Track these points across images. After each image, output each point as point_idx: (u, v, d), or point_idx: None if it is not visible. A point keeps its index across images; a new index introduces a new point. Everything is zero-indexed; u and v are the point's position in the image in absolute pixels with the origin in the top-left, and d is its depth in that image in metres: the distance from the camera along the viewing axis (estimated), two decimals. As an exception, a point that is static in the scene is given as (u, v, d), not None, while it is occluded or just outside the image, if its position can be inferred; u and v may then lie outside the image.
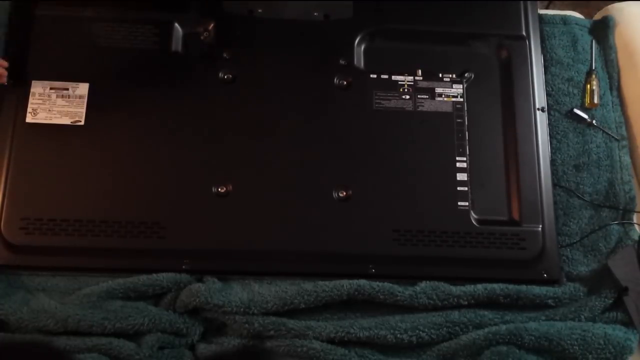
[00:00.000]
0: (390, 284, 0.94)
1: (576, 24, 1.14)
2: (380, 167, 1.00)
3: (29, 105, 0.98)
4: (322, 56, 1.05)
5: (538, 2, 1.13)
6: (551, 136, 1.05)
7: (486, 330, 0.90)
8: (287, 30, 1.06)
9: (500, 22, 1.09)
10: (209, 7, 1.05)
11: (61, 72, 1.00)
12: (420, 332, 0.90)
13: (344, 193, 0.98)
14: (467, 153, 1.01)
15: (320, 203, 0.98)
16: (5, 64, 0.95)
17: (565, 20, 1.14)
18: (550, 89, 1.08)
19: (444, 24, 1.08)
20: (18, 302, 0.89)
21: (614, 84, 1.11)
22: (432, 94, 1.04)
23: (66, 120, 0.98)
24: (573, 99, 1.08)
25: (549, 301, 0.95)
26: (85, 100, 0.99)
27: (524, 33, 1.08)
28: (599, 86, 1.09)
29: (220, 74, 1.02)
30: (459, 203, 0.99)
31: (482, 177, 1.01)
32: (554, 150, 1.05)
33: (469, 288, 0.94)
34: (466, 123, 1.03)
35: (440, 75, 1.05)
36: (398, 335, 0.90)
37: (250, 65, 1.03)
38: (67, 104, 0.98)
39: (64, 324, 0.87)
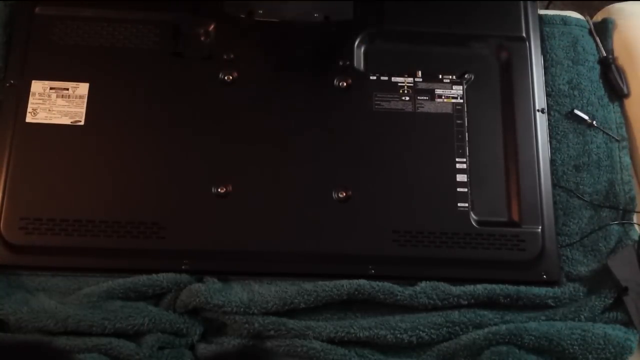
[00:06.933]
0: (390, 284, 0.93)
1: (576, 24, 1.14)
2: (380, 168, 1.00)
3: (29, 105, 0.98)
4: (322, 57, 1.05)
5: (538, 2, 1.13)
6: (551, 137, 1.05)
7: (486, 330, 0.90)
8: (287, 32, 1.06)
9: (500, 23, 1.09)
10: (209, 7, 1.05)
11: (61, 72, 1.00)
12: (420, 332, 0.90)
13: (344, 194, 0.98)
14: (467, 154, 1.01)
15: (320, 204, 0.98)
16: None
17: (565, 20, 1.14)
18: (550, 90, 1.08)
19: (443, 25, 1.09)
20: (18, 302, 0.88)
21: (613, 84, 1.11)
22: (432, 95, 1.04)
23: (66, 120, 0.98)
24: (573, 100, 1.08)
25: (549, 301, 0.95)
26: (85, 100, 0.99)
27: (524, 34, 1.08)
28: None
29: (220, 75, 1.02)
30: (459, 204, 0.99)
31: (481, 178, 1.01)
32: (554, 150, 1.05)
33: (469, 288, 0.94)
34: (466, 124, 1.03)
35: (440, 76, 1.05)
36: (398, 335, 0.90)
37: (251, 66, 1.03)
38: (67, 104, 0.98)
39: (64, 324, 0.87)
